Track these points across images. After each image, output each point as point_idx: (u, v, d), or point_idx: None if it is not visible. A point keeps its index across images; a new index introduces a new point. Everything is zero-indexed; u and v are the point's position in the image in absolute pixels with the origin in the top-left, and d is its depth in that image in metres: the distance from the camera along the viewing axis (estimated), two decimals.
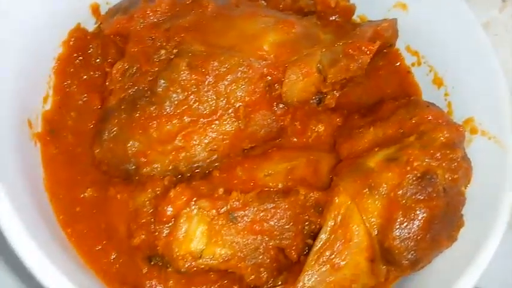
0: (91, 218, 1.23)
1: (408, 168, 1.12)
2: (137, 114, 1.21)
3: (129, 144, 1.21)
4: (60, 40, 1.33)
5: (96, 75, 1.36)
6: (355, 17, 1.46)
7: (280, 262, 1.18)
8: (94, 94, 1.35)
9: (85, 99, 1.35)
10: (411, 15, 1.42)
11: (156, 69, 1.24)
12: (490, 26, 1.51)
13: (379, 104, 1.32)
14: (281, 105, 1.26)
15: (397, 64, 1.49)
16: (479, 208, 1.21)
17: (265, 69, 1.22)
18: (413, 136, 1.17)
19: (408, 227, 1.09)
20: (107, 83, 1.28)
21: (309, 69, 1.23)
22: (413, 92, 1.45)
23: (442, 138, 1.15)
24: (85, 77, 1.36)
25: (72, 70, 1.35)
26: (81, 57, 1.36)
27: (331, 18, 1.40)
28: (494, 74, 1.31)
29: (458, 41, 1.36)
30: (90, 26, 1.40)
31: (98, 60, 1.37)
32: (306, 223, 1.18)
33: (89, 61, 1.37)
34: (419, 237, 1.09)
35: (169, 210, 1.13)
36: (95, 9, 1.38)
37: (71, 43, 1.35)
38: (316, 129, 1.33)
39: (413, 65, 1.47)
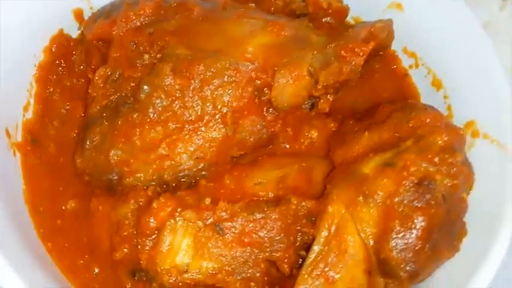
0: (73, 231, 1.20)
1: (405, 174, 1.06)
2: (120, 122, 1.17)
3: (111, 153, 1.16)
4: (41, 46, 1.29)
5: (80, 83, 1.33)
6: (349, 19, 1.42)
7: (271, 276, 1.13)
8: (77, 102, 1.31)
9: (68, 107, 1.31)
10: (407, 15, 1.37)
11: (139, 74, 1.19)
12: (490, 26, 1.46)
13: (374, 107, 1.26)
14: (271, 111, 1.21)
15: (394, 67, 1.44)
16: (483, 216, 1.15)
17: (253, 73, 1.18)
18: (410, 140, 1.11)
19: (406, 236, 1.03)
20: (89, 90, 1.23)
21: (300, 72, 1.18)
22: (411, 95, 1.39)
23: (440, 142, 1.09)
24: (68, 84, 1.32)
25: (54, 77, 1.32)
26: (63, 64, 1.32)
27: (323, 20, 1.36)
28: (495, 74, 1.25)
29: (458, 41, 1.30)
30: (75, 32, 1.36)
31: (81, 67, 1.33)
32: (298, 234, 1.12)
33: (72, 68, 1.33)
34: (417, 248, 1.03)
35: (152, 221, 1.08)
36: (78, 15, 1.34)
37: (53, 49, 1.31)
38: (309, 135, 1.27)
39: (410, 67, 1.42)
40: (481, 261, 1.10)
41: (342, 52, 1.19)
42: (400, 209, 1.04)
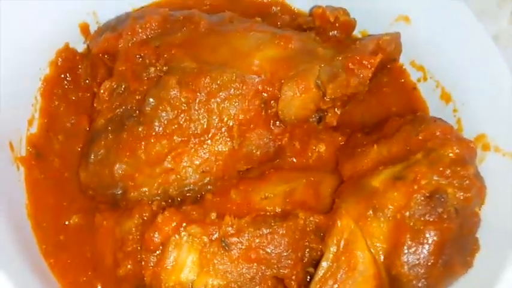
0: (76, 247, 1.18)
1: (415, 187, 1.04)
2: (125, 135, 1.16)
3: (116, 167, 1.15)
4: (47, 60, 1.29)
5: (85, 97, 1.32)
6: (356, 33, 1.41)
7: None
8: (83, 116, 1.30)
9: (73, 121, 1.30)
10: (415, 28, 1.35)
11: (145, 87, 1.18)
12: (499, 39, 1.44)
13: (383, 121, 1.24)
14: (278, 124, 1.19)
15: (402, 80, 1.42)
16: (495, 231, 1.12)
17: (260, 85, 1.16)
18: (420, 153, 1.09)
19: (417, 251, 1.00)
20: (94, 104, 1.22)
21: (307, 85, 1.17)
22: (420, 109, 1.37)
23: (451, 155, 1.06)
24: (73, 98, 1.31)
25: (60, 91, 1.30)
26: (69, 78, 1.31)
27: (330, 34, 1.34)
28: (505, 87, 1.23)
29: (467, 54, 1.29)
30: (81, 46, 1.35)
31: (87, 81, 1.33)
32: (306, 250, 1.10)
33: (78, 82, 1.33)
34: (430, 263, 1.00)
35: (157, 237, 1.06)
36: (84, 29, 1.34)
37: (59, 63, 1.31)
38: (316, 149, 1.26)
39: (419, 80, 1.40)
40: (495, 278, 1.08)
41: (350, 64, 1.18)
42: (411, 223, 1.02)
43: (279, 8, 1.47)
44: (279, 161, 1.22)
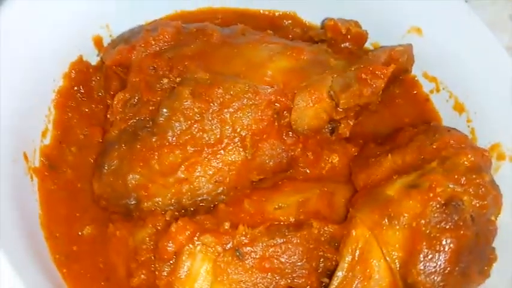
0: (89, 257, 1.17)
1: (431, 195, 1.03)
2: (138, 146, 1.16)
3: (129, 178, 1.15)
4: (61, 72, 1.29)
5: (98, 109, 1.32)
6: (368, 45, 1.40)
7: None
8: (96, 128, 1.30)
9: (86, 133, 1.30)
10: (427, 40, 1.35)
11: (158, 98, 1.18)
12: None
13: (396, 131, 1.24)
14: (291, 134, 1.19)
15: (415, 92, 1.42)
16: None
17: (272, 96, 1.17)
18: (435, 162, 1.08)
19: (434, 259, 0.99)
20: (108, 115, 1.23)
21: (319, 95, 1.17)
22: (433, 120, 1.37)
23: (466, 163, 1.06)
24: (86, 110, 1.32)
25: (73, 104, 1.31)
26: (82, 90, 1.32)
27: (342, 46, 1.34)
28: None
29: (480, 64, 1.29)
30: (94, 59, 1.36)
31: (100, 93, 1.33)
32: (321, 259, 1.09)
33: (91, 94, 1.33)
34: (447, 271, 0.99)
35: (171, 246, 1.06)
36: (98, 42, 1.35)
37: (72, 76, 1.31)
38: (330, 160, 1.25)
39: (431, 92, 1.40)
40: None
41: (363, 75, 1.18)
42: (427, 231, 1.01)
43: (290, 22, 1.48)
44: (292, 171, 1.22)
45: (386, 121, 1.37)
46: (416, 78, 1.41)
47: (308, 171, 1.23)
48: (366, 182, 1.15)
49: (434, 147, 1.11)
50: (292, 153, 1.20)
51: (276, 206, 1.15)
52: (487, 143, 1.24)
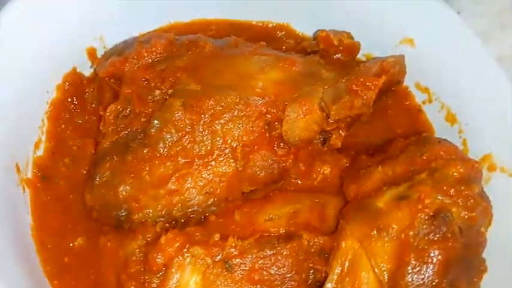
0: (80, 269, 1.17)
1: (419, 206, 1.03)
2: (130, 157, 1.16)
3: (120, 189, 1.15)
4: (54, 84, 1.30)
5: (91, 120, 1.32)
6: (360, 56, 1.41)
7: None
8: (89, 140, 1.30)
9: (79, 144, 1.30)
10: (419, 50, 1.36)
11: (150, 110, 1.19)
12: (503, 60, 1.44)
13: (388, 142, 1.24)
14: (282, 145, 1.19)
15: (407, 103, 1.42)
16: (503, 253, 1.10)
17: (263, 107, 1.17)
18: (425, 173, 1.08)
19: (422, 271, 0.99)
20: (100, 127, 1.23)
21: (310, 106, 1.17)
22: (425, 131, 1.36)
23: (455, 174, 1.05)
24: (80, 121, 1.32)
25: (66, 115, 1.31)
26: (76, 102, 1.32)
27: (334, 57, 1.34)
28: (510, 107, 1.22)
29: (471, 75, 1.29)
30: (87, 70, 1.37)
31: (93, 104, 1.33)
32: (311, 271, 1.09)
33: (84, 106, 1.33)
34: (434, 283, 0.99)
35: (160, 258, 1.06)
36: (91, 53, 1.35)
37: (66, 87, 1.31)
38: (321, 171, 1.25)
39: (424, 102, 1.40)
40: None
41: (353, 86, 1.19)
42: (416, 243, 1.01)
43: (283, 33, 1.48)
44: (283, 182, 1.22)
45: (379, 132, 1.36)
46: (408, 89, 1.41)
47: (299, 182, 1.24)
48: (356, 193, 1.15)
49: (424, 158, 1.11)
50: (284, 165, 1.20)
51: (267, 218, 1.15)
52: (479, 153, 1.24)
